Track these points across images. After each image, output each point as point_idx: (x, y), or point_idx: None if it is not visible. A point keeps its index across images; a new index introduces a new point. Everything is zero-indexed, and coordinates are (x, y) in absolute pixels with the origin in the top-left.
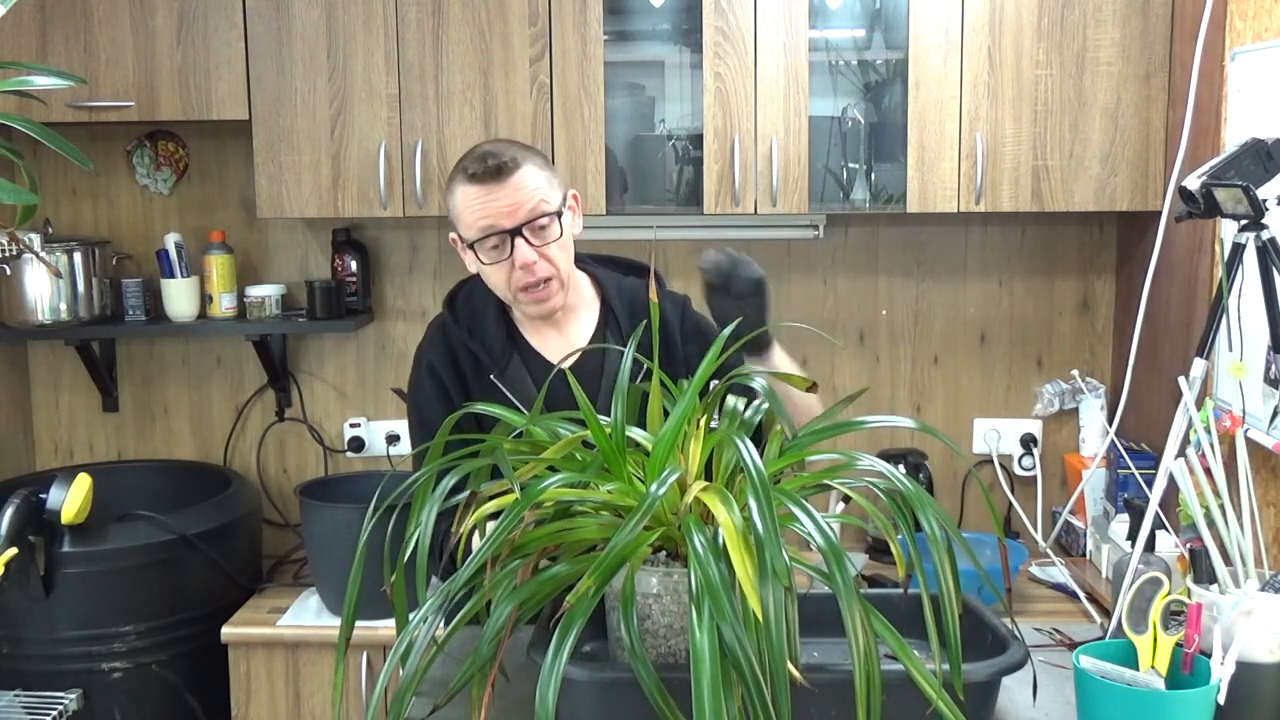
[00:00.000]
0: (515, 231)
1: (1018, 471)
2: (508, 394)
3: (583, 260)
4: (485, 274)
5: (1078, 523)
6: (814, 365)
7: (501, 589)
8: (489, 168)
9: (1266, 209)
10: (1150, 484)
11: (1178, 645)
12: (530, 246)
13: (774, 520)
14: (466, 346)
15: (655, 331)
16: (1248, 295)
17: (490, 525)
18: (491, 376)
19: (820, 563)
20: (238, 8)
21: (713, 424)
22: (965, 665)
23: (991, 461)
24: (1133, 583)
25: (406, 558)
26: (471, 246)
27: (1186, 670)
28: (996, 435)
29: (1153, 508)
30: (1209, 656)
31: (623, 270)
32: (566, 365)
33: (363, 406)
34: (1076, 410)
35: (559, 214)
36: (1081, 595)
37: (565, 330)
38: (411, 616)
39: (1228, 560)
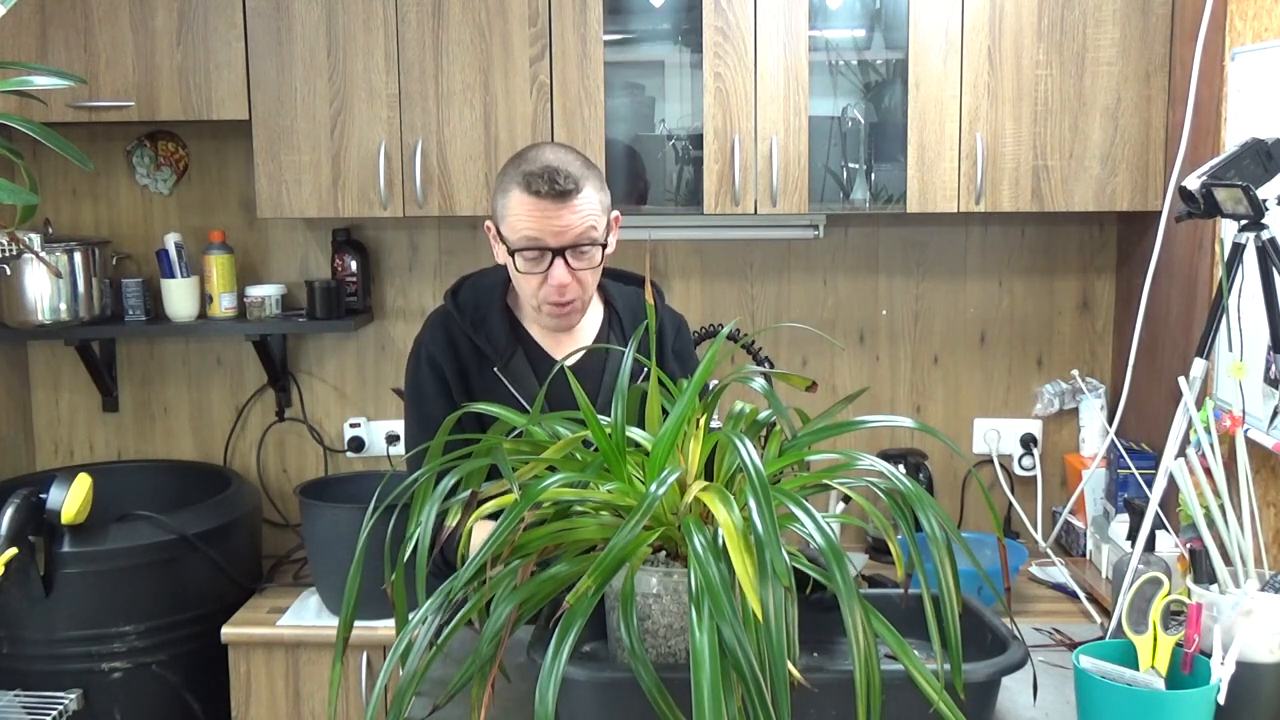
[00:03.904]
0: (558, 251)
1: (1018, 471)
2: (510, 387)
3: None
4: (515, 277)
5: (1078, 523)
6: (814, 365)
7: (501, 589)
8: (554, 190)
9: (1266, 209)
10: (1150, 484)
11: (1178, 645)
12: (567, 268)
13: (774, 520)
14: (469, 338)
15: (652, 333)
16: (1248, 295)
17: (477, 531)
18: (495, 369)
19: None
20: (238, 8)
21: (713, 424)
22: (965, 665)
23: (991, 461)
24: (1133, 583)
25: (406, 558)
26: (510, 251)
27: (1186, 670)
28: (996, 435)
29: (1153, 508)
30: (1209, 656)
31: (622, 280)
32: (570, 362)
33: (363, 406)
34: (1076, 410)
35: (604, 244)
36: (1081, 595)
37: (572, 328)
38: (411, 616)
39: (1228, 560)
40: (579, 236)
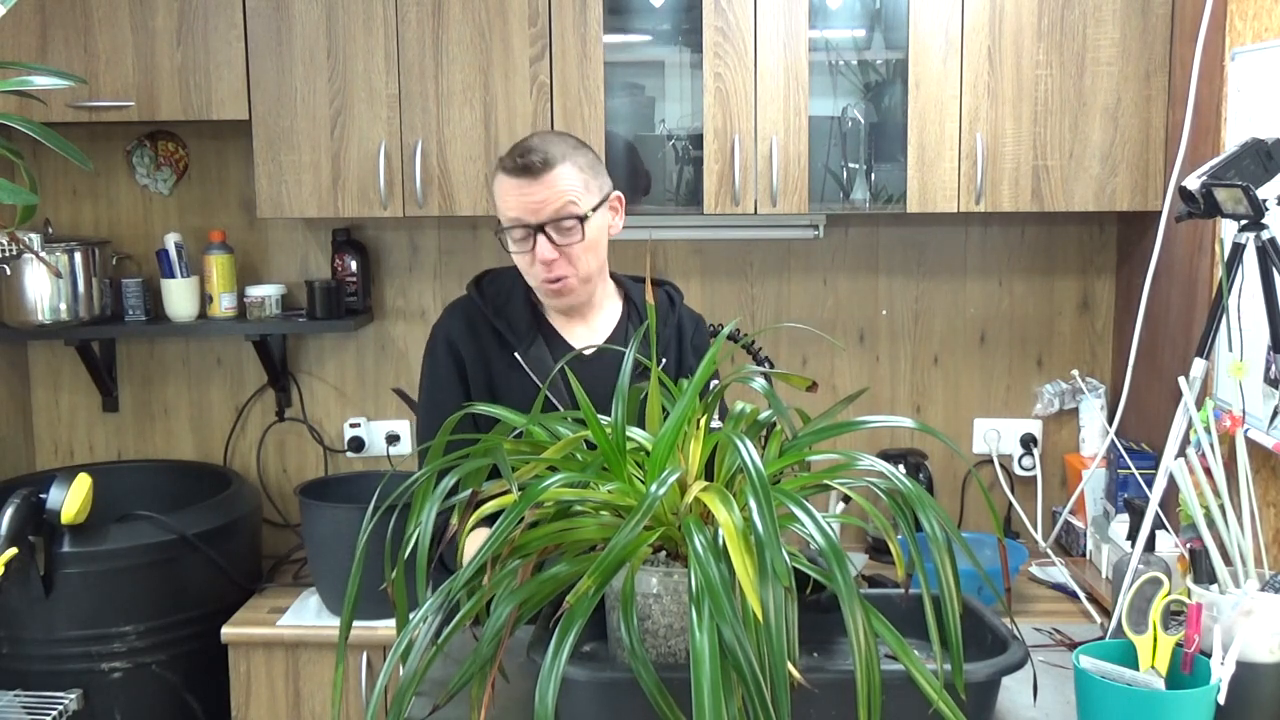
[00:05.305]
0: (539, 228)
1: (1018, 471)
2: (530, 372)
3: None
4: (514, 260)
5: (1078, 523)
6: (814, 365)
7: (501, 589)
8: (520, 164)
9: (1266, 209)
10: (1150, 484)
11: (1178, 645)
12: (551, 245)
13: (774, 520)
14: (491, 324)
15: (654, 332)
16: (1248, 295)
17: (472, 540)
18: (516, 354)
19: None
20: (238, 8)
21: (714, 424)
22: (965, 665)
23: (991, 461)
24: (1133, 583)
25: (406, 557)
26: (501, 233)
27: (1186, 670)
28: (996, 435)
29: (1153, 508)
30: (1209, 656)
31: (640, 283)
32: (589, 352)
33: (363, 406)
34: (1076, 410)
35: (584, 217)
36: (1081, 595)
37: (590, 320)
38: (411, 616)
39: (1228, 560)
40: (556, 212)
